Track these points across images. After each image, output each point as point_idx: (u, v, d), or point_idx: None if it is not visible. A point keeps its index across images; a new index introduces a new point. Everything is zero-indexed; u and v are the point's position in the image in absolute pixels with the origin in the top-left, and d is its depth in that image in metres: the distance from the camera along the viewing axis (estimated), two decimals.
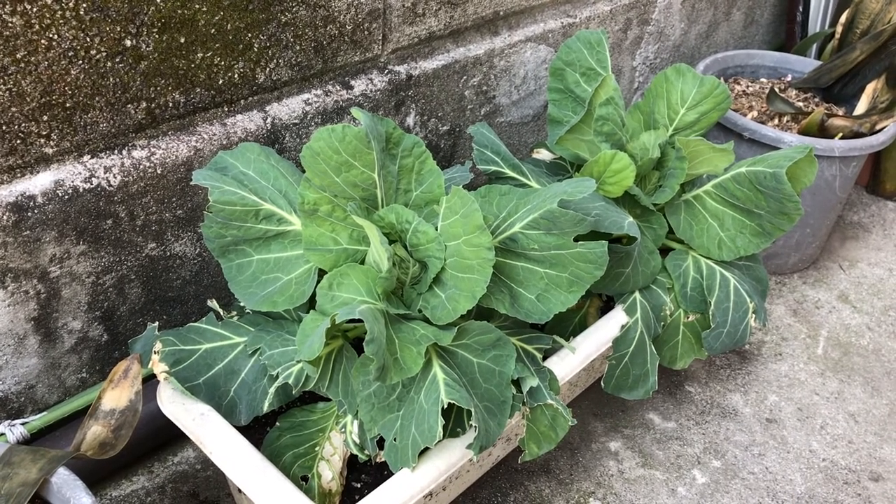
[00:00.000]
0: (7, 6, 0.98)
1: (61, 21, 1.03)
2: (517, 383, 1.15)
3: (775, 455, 1.59)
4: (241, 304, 1.19)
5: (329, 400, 1.20)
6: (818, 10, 2.55)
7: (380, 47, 1.48)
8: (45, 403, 1.28)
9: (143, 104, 1.18)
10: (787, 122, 2.03)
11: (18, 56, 1.01)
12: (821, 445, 1.62)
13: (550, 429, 1.17)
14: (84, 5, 1.04)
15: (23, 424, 1.22)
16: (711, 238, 1.45)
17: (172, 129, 1.25)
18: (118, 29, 1.09)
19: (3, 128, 1.04)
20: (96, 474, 1.32)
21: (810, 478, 1.55)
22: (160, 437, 1.39)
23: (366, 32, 1.43)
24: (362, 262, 1.14)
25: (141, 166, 1.20)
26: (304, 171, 1.09)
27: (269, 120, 1.34)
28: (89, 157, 1.16)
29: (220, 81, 1.26)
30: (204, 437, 1.07)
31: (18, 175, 1.10)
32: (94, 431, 1.03)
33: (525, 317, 1.14)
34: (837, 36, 2.21)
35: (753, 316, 1.46)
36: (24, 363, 1.21)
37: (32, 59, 1.03)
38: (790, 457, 1.59)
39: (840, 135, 1.91)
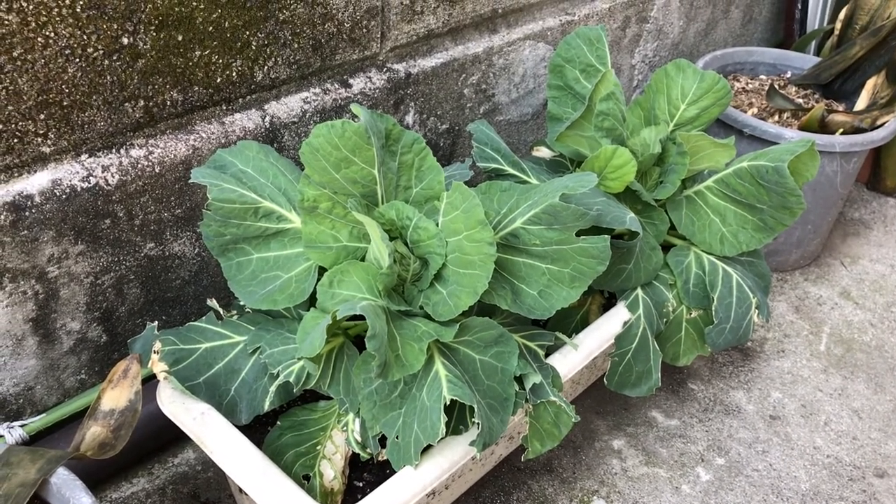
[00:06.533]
0: (3, 3, 0.97)
1: (58, 18, 1.03)
2: (520, 380, 1.14)
3: (779, 452, 1.58)
4: (241, 302, 1.18)
5: (330, 398, 1.19)
6: (817, 6, 2.55)
7: (378, 45, 1.47)
8: (44, 405, 1.27)
9: (141, 103, 1.17)
10: (788, 118, 2.02)
11: (15, 54, 1.01)
12: (825, 442, 1.61)
13: (554, 426, 1.16)
14: (81, 2, 1.03)
15: (21, 426, 1.21)
16: (713, 233, 1.44)
17: (170, 128, 1.24)
18: (115, 27, 1.09)
19: (0, 127, 1.03)
20: (96, 475, 1.31)
21: (815, 474, 1.54)
22: (160, 438, 1.38)
23: (364, 30, 1.42)
24: (363, 260, 1.13)
25: (139, 165, 1.19)
26: (303, 169, 1.08)
27: (267, 119, 1.33)
28: (87, 156, 1.15)
29: (219, 80, 1.25)
30: (204, 436, 1.06)
31: (16, 174, 1.09)
32: (93, 432, 1.02)
33: (527, 313, 1.13)
34: (837, 32, 2.20)
35: (756, 311, 1.45)
36: (23, 364, 1.20)
37: (29, 57, 1.02)
38: (794, 453, 1.58)
39: (841, 130, 1.90)
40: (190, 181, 1.12)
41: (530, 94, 1.87)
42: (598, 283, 1.35)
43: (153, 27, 1.13)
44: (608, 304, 1.49)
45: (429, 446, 1.04)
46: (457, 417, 1.10)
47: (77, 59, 1.07)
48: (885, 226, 2.34)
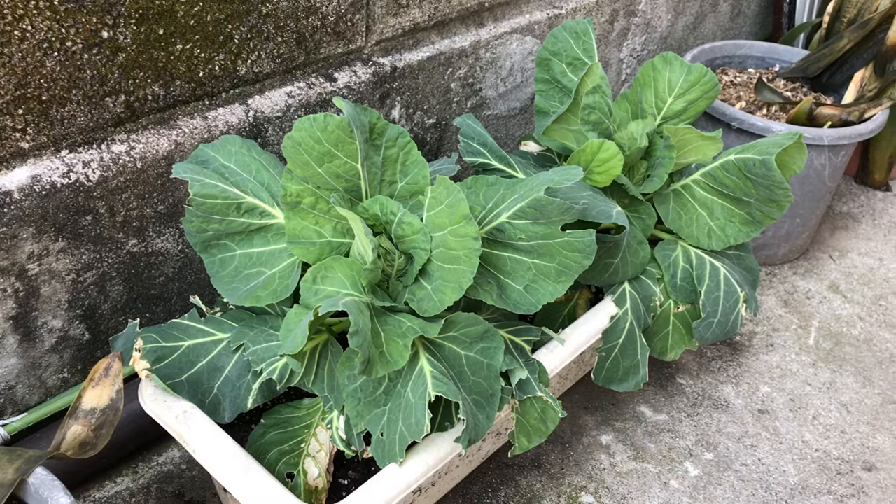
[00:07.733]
0: None
1: (35, 12, 1.01)
2: (506, 376, 1.14)
3: (768, 446, 1.57)
4: (225, 299, 1.17)
5: (315, 396, 1.18)
6: (805, 0, 2.54)
7: (363, 39, 1.46)
8: (26, 404, 1.26)
9: (122, 97, 1.16)
10: (776, 111, 2.02)
11: None
12: (813, 436, 1.61)
13: (540, 422, 1.15)
14: None
15: (2, 426, 1.20)
16: (701, 227, 1.44)
17: (152, 123, 1.22)
18: (94, 20, 1.07)
19: None
20: (78, 475, 1.30)
21: (803, 468, 1.53)
22: (144, 436, 1.37)
23: (349, 24, 1.41)
24: (347, 255, 1.12)
25: (120, 161, 1.17)
26: (286, 164, 1.07)
27: (251, 113, 1.32)
28: (67, 151, 1.14)
29: (201, 74, 1.24)
30: (187, 435, 1.05)
31: None
32: (74, 431, 1.01)
33: (513, 308, 1.12)
34: (825, 25, 2.20)
35: (744, 305, 1.44)
36: (3, 363, 1.19)
37: (5, 50, 1.01)
38: (783, 448, 1.57)
39: (829, 124, 1.90)
40: (171, 176, 1.10)
41: (518, 89, 1.86)
42: (585, 278, 1.34)
43: (133, 21, 1.11)
44: (595, 298, 1.48)
45: (414, 443, 1.03)
46: (442, 414, 1.10)
47: (56, 53, 1.05)
48: (874, 219, 2.34)
